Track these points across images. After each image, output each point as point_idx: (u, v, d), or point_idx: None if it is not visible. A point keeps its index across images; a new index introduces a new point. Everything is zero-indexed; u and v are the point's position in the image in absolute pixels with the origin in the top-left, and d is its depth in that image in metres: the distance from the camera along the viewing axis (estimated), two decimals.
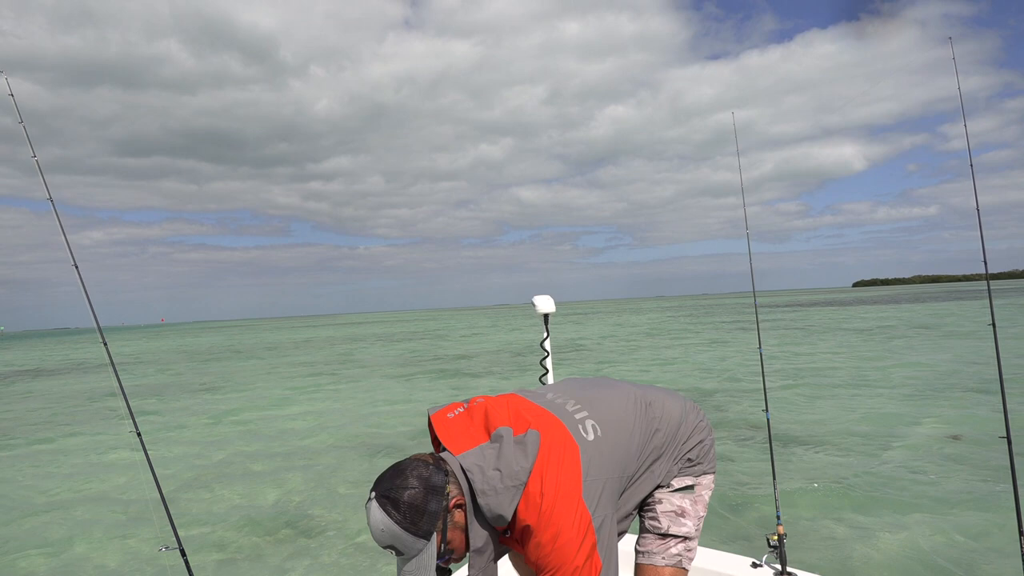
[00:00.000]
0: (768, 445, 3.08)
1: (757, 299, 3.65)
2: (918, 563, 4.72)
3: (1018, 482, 2.36)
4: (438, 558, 1.59)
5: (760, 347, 3.26)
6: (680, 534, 1.88)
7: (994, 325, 2.42)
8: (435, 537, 1.57)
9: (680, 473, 1.89)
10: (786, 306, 73.25)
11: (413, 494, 1.55)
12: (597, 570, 1.63)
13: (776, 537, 2.78)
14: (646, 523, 1.92)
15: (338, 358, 29.46)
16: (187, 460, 9.48)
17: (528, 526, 1.61)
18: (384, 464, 8.60)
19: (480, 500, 1.61)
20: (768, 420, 3.10)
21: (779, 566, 2.75)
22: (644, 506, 1.91)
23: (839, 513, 5.84)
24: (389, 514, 1.53)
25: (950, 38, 2.44)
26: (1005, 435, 2.42)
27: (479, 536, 1.64)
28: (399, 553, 1.56)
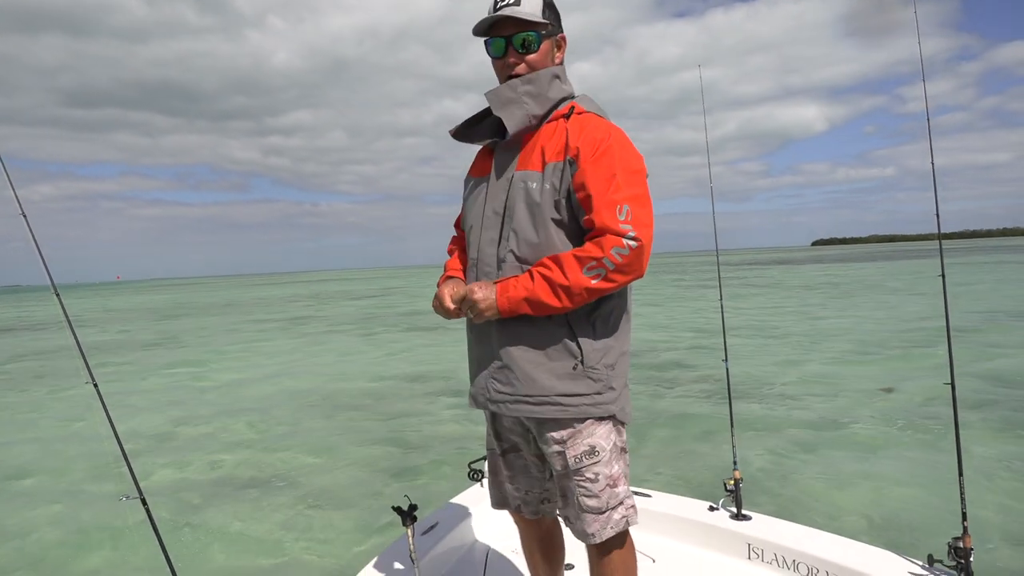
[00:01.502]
0: (727, 394, 3.16)
1: (720, 257, 3.73)
2: (865, 504, 4.93)
3: (960, 427, 2.47)
4: (520, 36, 1.82)
5: (721, 299, 3.33)
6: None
7: (943, 276, 2.50)
8: (548, 23, 1.84)
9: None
10: (747, 264, 74.52)
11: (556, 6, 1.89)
12: (652, 212, 1.74)
13: (732, 482, 2.87)
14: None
15: (298, 315, 29.21)
16: (146, 415, 9.39)
17: (586, 128, 1.78)
18: (341, 420, 8.64)
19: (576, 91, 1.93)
20: (728, 369, 3.17)
21: (735, 509, 2.85)
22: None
23: (790, 459, 6.05)
24: None
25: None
26: (949, 382, 2.51)
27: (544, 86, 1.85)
28: (516, 2, 1.80)
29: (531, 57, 1.85)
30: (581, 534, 1.86)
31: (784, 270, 53.78)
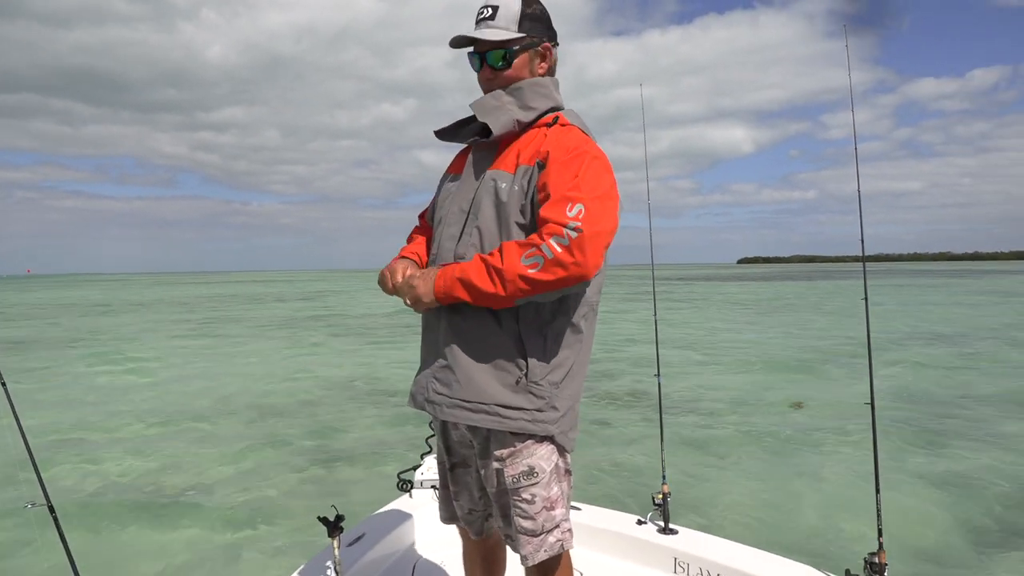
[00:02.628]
0: (658, 408, 3.21)
1: (649, 272, 3.79)
2: (786, 518, 5.10)
3: (878, 444, 2.57)
4: (491, 55, 1.84)
5: (655, 315, 3.38)
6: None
7: (866, 299, 2.60)
8: (519, 38, 1.83)
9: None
10: (676, 279, 76.37)
11: (543, 9, 1.89)
12: (613, 220, 1.67)
13: (661, 496, 2.91)
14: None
15: (223, 316, 28.32)
16: (54, 418, 8.90)
17: (564, 137, 1.76)
18: (264, 426, 8.39)
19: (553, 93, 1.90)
20: (660, 384, 3.22)
21: (662, 523, 2.88)
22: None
23: (718, 474, 6.20)
24: None
25: (844, 26, 2.55)
26: (869, 401, 2.61)
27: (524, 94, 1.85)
28: (491, 17, 1.82)
29: (506, 73, 1.86)
30: (520, 556, 1.83)
31: (711, 286, 55.33)
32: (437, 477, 3.17)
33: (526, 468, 1.77)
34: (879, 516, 2.42)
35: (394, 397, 10.13)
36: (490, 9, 1.84)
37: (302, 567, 2.56)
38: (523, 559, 1.82)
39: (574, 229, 1.56)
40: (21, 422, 2.34)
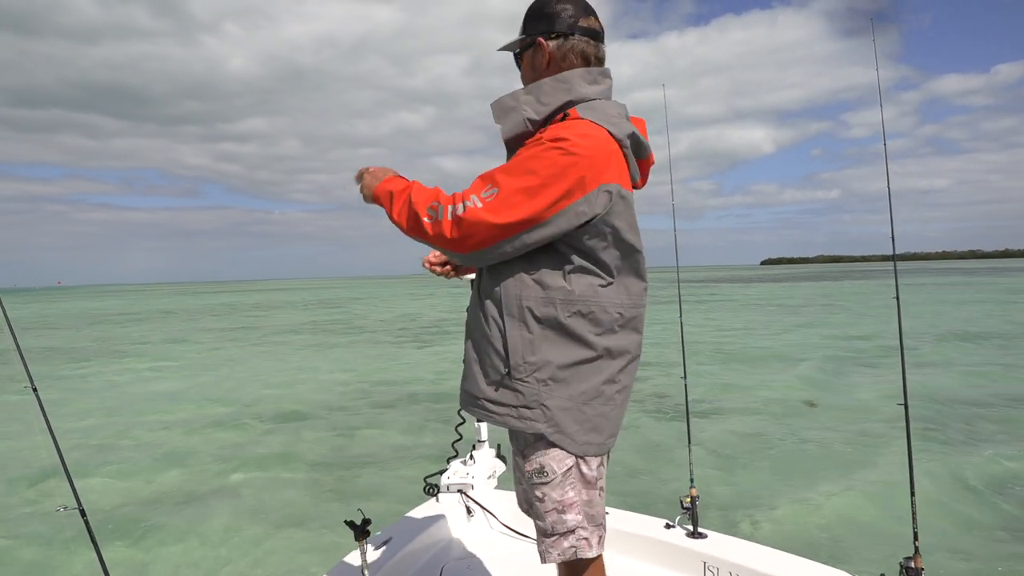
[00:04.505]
0: (685, 411, 3.17)
1: (672, 275, 3.76)
2: (817, 522, 5.01)
3: (912, 447, 2.51)
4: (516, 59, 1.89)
5: (681, 318, 3.34)
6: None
7: (898, 298, 2.54)
8: (519, 40, 1.86)
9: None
10: (698, 282, 75.78)
11: (550, 4, 1.84)
12: (522, 213, 1.62)
13: (689, 499, 2.87)
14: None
15: (247, 324, 28.61)
16: (85, 425, 9.05)
17: (554, 129, 1.70)
18: (289, 431, 8.45)
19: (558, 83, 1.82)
20: (686, 386, 3.19)
21: (691, 527, 2.84)
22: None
23: (747, 477, 6.12)
24: None
25: (872, 20, 2.50)
26: (903, 402, 2.55)
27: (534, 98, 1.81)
28: None
29: (521, 75, 1.94)
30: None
31: (735, 288, 54.81)
32: (464, 481, 3.18)
33: (537, 466, 1.78)
34: (914, 519, 2.36)
35: (418, 402, 10.16)
36: None
37: (328, 572, 2.56)
38: (540, 555, 1.83)
39: (467, 208, 1.63)
40: (53, 428, 2.37)
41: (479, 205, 1.61)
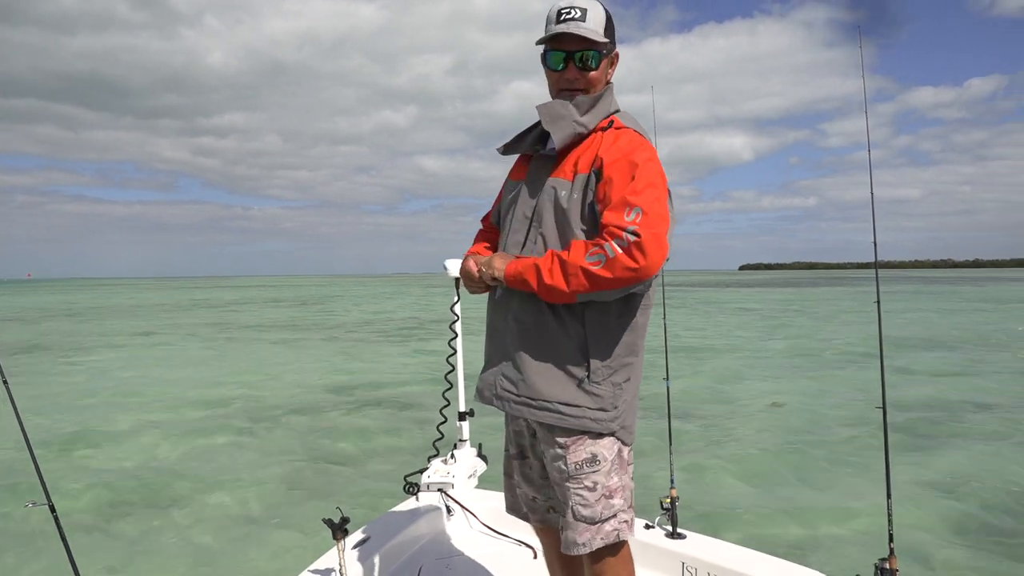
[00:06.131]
0: (667, 412, 3.19)
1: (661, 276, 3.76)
2: (794, 526, 5.06)
3: (889, 449, 2.54)
4: (585, 53, 1.84)
5: (664, 319, 3.36)
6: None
7: (879, 303, 2.57)
8: (609, 42, 1.86)
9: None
10: (678, 285, 76.36)
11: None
12: (668, 218, 1.72)
13: (669, 500, 2.88)
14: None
15: (222, 321, 28.32)
16: (54, 420, 8.89)
17: (618, 141, 1.79)
18: (265, 429, 8.36)
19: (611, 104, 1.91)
20: (668, 388, 3.20)
21: (671, 527, 2.85)
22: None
23: (723, 478, 6.16)
24: (603, 6, 1.88)
25: (859, 27, 2.53)
26: (881, 406, 2.58)
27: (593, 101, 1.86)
28: (581, 18, 1.81)
29: (592, 75, 1.88)
30: (572, 544, 1.84)
31: (715, 292, 55.24)
32: (444, 480, 3.16)
33: (589, 456, 1.82)
34: (890, 522, 2.39)
35: (396, 400, 10.10)
36: (579, 11, 1.84)
37: (305, 570, 2.53)
38: (578, 547, 1.83)
39: (633, 233, 1.63)
40: (22, 421, 2.32)
41: (639, 226, 1.64)
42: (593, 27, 1.83)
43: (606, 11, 1.89)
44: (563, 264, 1.69)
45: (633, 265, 1.64)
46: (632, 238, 1.62)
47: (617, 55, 1.96)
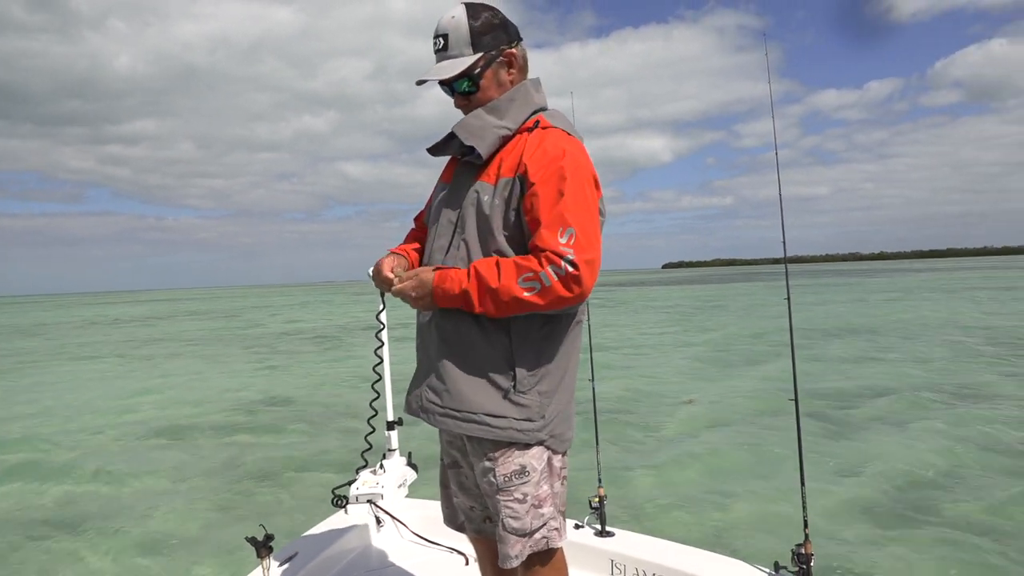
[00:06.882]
0: (593, 412, 3.24)
1: None
2: (715, 518, 5.22)
3: (803, 441, 2.65)
4: (457, 84, 1.83)
5: (588, 319, 3.41)
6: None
7: (789, 299, 2.69)
8: (478, 59, 1.80)
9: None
10: (602, 286, 77.62)
11: (493, 14, 1.82)
12: (599, 237, 1.73)
13: (597, 499, 2.93)
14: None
15: (136, 337, 27.12)
16: None
17: (543, 143, 1.75)
18: (182, 447, 8.06)
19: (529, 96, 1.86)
20: (593, 388, 3.26)
21: (599, 526, 2.90)
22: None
23: (647, 474, 6.30)
24: (469, 11, 1.80)
25: (764, 35, 2.64)
26: (793, 397, 2.69)
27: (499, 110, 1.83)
28: (444, 47, 1.80)
29: (477, 95, 1.86)
30: (506, 558, 1.82)
31: (638, 291, 56.44)
32: (373, 491, 3.12)
33: (518, 467, 1.80)
34: (804, 508, 2.50)
35: (320, 412, 9.90)
36: (441, 40, 1.82)
37: None
38: (510, 559, 1.82)
39: (571, 262, 1.63)
40: None
41: (574, 252, 1.64)
42: (458, 51, 1.81)
43: (470, 16, 1.81)
44: (493, 293, 1.68)
45: (567, 295, 1.65)
46: (570, 268, 1.63)
47: (509, 54, 1.86)
